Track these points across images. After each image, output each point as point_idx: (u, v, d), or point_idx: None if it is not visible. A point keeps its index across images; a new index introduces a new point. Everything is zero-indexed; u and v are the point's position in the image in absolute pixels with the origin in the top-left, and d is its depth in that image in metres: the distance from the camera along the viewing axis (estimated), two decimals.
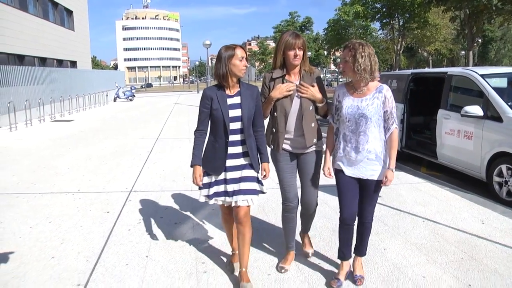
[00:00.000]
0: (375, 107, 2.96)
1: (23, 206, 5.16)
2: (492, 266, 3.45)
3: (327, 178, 3.25)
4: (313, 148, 3.30)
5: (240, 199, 3.03)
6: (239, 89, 3.07)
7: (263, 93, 3.30)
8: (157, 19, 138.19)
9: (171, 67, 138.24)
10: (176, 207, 5.13)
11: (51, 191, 5.85)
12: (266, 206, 4.99)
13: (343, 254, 3.22)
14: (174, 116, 17.29)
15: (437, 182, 6.28)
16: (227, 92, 3.04)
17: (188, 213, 4.88)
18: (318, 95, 3.20)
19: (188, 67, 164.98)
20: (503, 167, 5.57)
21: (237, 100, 3.04)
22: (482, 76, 6.33)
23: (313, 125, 3.23)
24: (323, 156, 3.31)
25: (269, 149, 3.32)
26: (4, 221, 4.62)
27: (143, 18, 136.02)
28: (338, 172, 3.12)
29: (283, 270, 3.41)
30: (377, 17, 31.84)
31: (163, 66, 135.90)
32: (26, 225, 4.50)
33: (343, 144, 3.06)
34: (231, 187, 3.05)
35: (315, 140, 3.27)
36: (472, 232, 4.19)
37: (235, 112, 3.01)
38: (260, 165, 3.19)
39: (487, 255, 3.66)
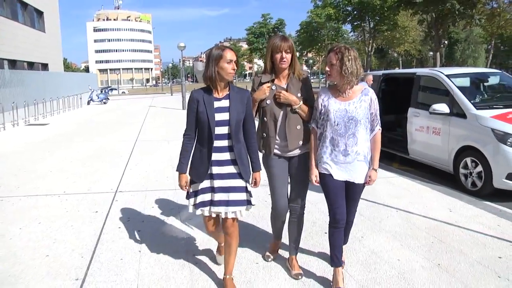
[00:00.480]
0: (363, 109, 2.99)
1: (9, 209, 5.23)
2: (458, 248, 3.81)
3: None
4: (303, 150, 3.25)
5: (230, 211, 2.93)
6: (228, 92, 2.94)
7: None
8: (129, 20, 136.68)
9: (143, 69, 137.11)
10: (163, 205, 5.31)
11: (36, 193, 5.92)
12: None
13: (338, 260, 3.15)
14: (150, 118, 17.35)
15: (409, 176, 6.66)
16: (215, 95, 2.91)
17: (175, 210, 5.08)
18: (292, 98, 3.14)
19: (161, 69, 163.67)
20: (468, 160, 6.01)
21: (225, 103, 2.90)
22: (448, 76, 6.76)
23: (298, 127, 3.20)
24: (309, 163, 3.21)
25: (260, 155, 3.24)
26: None
27: (114, 20, 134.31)
28: (326, 176, 3.07)
29: (269, 259, 3.58)
30: (348, 19, 32.62)
31: (135, 68, 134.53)
32: (15, 226, 4.59)
33: (330, 148, 3.03)
34: (218, 196, 2.93)
35: (300, 143, 3.21)
36: (441, 220, 4.55)
37: (222, 116, 2.87)
38: (251, 174, 3.06)
39: (454, 239, 4.03)
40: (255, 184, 3.08)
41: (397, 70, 9.79)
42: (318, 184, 3.13)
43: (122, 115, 19.69)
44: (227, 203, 2.93)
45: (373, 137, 3.07)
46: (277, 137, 3.22)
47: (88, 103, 28.42)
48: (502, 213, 4.77)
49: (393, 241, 4.01)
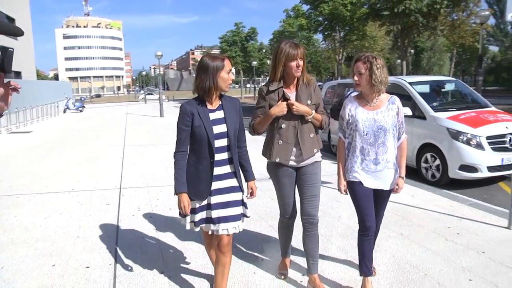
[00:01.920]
0: (391, 118, 2.98)
1: (28, 204, 5.85)
2: (417, 222, 4.75)
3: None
4: (314, 159, 3.18)
5: (229, 227, 2.77)
6: (220, 102, 2.80)
7: (262, 107, 3.14)
8: (99, 27, 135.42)
9: (114, 77, 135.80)
10: (166, 197, 6.03)
11: (47, 191, 6.55)
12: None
13: (368, 269, 3.10)
14: (131, 125, 17.95)
15: None
16: (209, 106, 2.75)
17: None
18: (304, 109, 3.03)
19: (132, 77, 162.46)
20: (428, 155, 7.05)
21: (220, 114, 2.77)
22: (410, 83, 7.79)
23: (311, 135, 3.13)
24: (337, 173, 3.17)
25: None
26: (18, 215, 5.32)
27: (84, 27, 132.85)
28: (355, 184, 3.03)
29: (282, 276, 3.48)
30: (319, 29, 33.91)
31: (106, 76, 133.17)
32: (40, 217, 5.23)
33: (360, 158, 3.01)
34: (215, 213, 2.76)
35: (315, 151, 3.16)
36: (405, 203, 5.47)
37: (219, 128, 2.73)
38: (247, 183, 2.99)
39: (415, 216, 4.96)
40: (252, 194, 3.01)
41: (344, 80, 10.96)
42: (346, 194, 3.12)
43: (102, 122, 20.20)
44: (227, 219, 2.76)
45: (399, 144, 3.09)
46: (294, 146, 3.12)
47: (64, 111, 28.63)
48: (454, 197, 5.73)
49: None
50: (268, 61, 54.66)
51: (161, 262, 3.87)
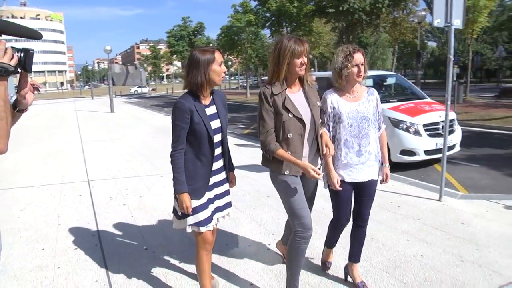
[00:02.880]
0: (372, 109, 3.01)
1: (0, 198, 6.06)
2: None
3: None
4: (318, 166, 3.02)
5: (225, 214, 2.98)
6: (212, 97, 2.79)
7: (265, 110, 2.78)
8: (38, 19, 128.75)
9: (57, 72, 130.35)
10: (134, 186, 6.43)
11: (16, 186, 6.73)
12: None
13: (334, 243, 3.49)
14: (83, 121, 17.90)
15: None
16: (203, 101, 2.71)
17: (147, 189, 6.24)
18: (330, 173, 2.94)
19: (76, 72, 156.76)
20: None
21: (213, 109, 2.76)
22: None
23: (314, 142, 2.96)
24: (326, 167, 3.00)
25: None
26: None
27: (21, 18, 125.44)
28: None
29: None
30: (267, 25, 34.59)
31: (48, 71, 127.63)
32: (16, 209, 5.47)
33: (344, 151, 2.97)
34: (218, 202, 2.89)
35: (319, 160, 3.05)
36: None
37: (215, 124, 2.73)
38: (228, 174, 3.00)
39: None
40: (233, 183, 3.08)
41: (315, 73, 11.58)
42: (339, 188, 2.93)
43: (53, 119, 19.89)
44: (225, 206, 2.96)
45: (381, 134, 3.12)
46: (307, 156, 2.91)
47: None
48: (396, 178, 6.50)
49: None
50: None
51: (142, 240, 4.31)
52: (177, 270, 3.65)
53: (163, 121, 17.52)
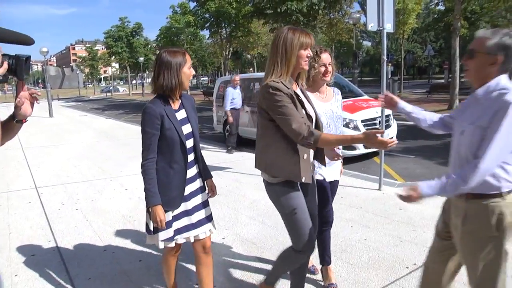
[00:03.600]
0: (339, 107, 3.08)
1: None
2: None
3: None
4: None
5: (211, 226, 2.76)
6: (180, 101, 2.65)
7: (286, 103, 2.34)
8: None
9: None
10: (84, 191, 6.41)
11: None
12: None
13: (330, 258, 3.33)
14: (22, 127, 17.04)
15: None
16: (173, 106, 2.58)
17: (98, 193, 6.25)
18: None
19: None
20: None
21: (183, 114, 2.63)
22: None
23: None
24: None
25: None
26: None
27: None
28: (321, 182, 3.00)
29: None
30: (206, 26, 34.68)
31: None
32: None
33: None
34: (196, 217, 2.67)
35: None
36: None
37: (186, 128, 2.60)
38: (205, 182, 2.81)
39: None
40: (213, 192, 2.86)
41: (256, 74, 11.97)
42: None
43: None
44: (208, 219, 2.74)
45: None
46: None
47: None
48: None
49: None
50: (153, 57, 53.91)
51: (100, 242, 4.39)
52: (139, 268, 3.77)
53: (105, 124, 17.27)
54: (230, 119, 9.81)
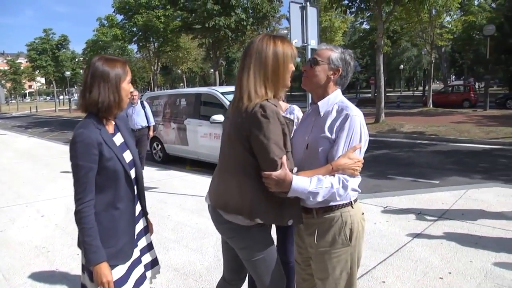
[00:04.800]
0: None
1: None
2: None
3: None
4: None
5: (157, 270, 2.34)
6: (114, 123, 2.13)
7: (278, 129, 1.91)
8: None
9: None
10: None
11: None
12: None
13: None
14: None
15: (199, 173, 8.58)
16: (108, 128, 2.07)
17: (10, 221, 5.68)
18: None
19: None
20: None
21: (119, 138, 2.13)
22: (222, 93, 8.89)
23: None
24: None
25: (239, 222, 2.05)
26: None
27: None
28: None
29: None
30: (134, 40, 33.90)
31: None
32: None
33: None
34: (146, 258, 2.25)
35: None
36: None
37: (127, 156, 2.09)
38: (144, 218, 2.28)
39: None
40: (151, 231, 2.39)
41: (183, 90, 11.68)
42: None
43: None
44: (154, 262, 2.32)
45: None
46: None
47: None
48: None
49: (192, 214, 5.67)
50: (81, 71, 51.72)
51: (4, 281, 3.93)
52: None
53: (27, 143, 16.03)
54: None
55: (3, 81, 69.31)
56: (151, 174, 8.80)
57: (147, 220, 2.30)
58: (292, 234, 2.63)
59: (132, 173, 2.09)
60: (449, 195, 6.10)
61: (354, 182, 1.97)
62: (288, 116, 2.43)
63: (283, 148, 1.89)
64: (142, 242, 2.22)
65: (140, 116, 8.10)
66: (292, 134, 2.07)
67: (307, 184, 1.86)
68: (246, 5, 24.27)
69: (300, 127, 2.18)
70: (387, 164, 9.41)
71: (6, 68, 67.47)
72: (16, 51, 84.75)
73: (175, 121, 10.18)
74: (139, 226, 2.20)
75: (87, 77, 1.99)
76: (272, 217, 2.01)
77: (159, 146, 10.80)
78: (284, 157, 1.87)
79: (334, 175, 1.90)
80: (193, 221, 5.39)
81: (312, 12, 6.03)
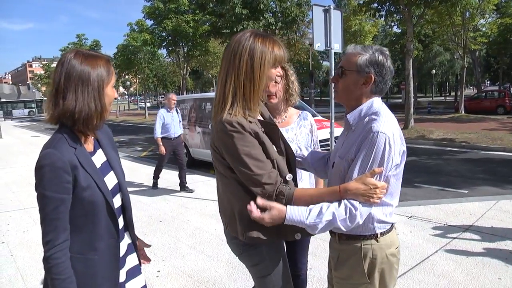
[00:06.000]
0: (304, 136, 2.57)
1: None
2: None
3: None
4: None
5: None
6: (93, 137, 1.69)
7: (252, 145, 1.70)
8: None
9: None
10: (17, 221, 5.95)
11: None
12: None
13: None
14: None
15: None
16: (86, 145, 1.64)
17: (33, 222, 5.80)
18: None
19: None
20: None
21: (101, 157, 1.70)
22: None
23: None
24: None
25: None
26: None
27: None
28: None
29: None
30: (163, 44, 34.38)
31: None
32: None
33: None
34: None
35: None
36: None
37: (110, 180, 1.67)
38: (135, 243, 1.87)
39: None
40: (147, 259, 2.05)
41: (208, 94, 11.77)
42: None
43: None
44: None
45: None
46: None
47: None
48: None
49: (211, 219, 5.64)
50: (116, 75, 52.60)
51: (22, 283, 3.99)
52: None
53: None
54: (162, 149, 7.60)
55: (38, 85, 71.52)
56: (174, 178, 8.84)
57: (138, 253, 1.87)
58: (304, 245, 2.62)
59: (116, 202, 1.67)
60: (478, 205, 5.86)
61: (376, 211, 1.74)
62: (294, 120, 2.52)
63: (260, 157, 1.69)
64: (137, 282, 1.82)
65: (178, 124, 7.83)
66: (283, 140, 1.88)
67: (304, 216, 1.62)
68: (275, 9, 24.27)
69: (338, 140, 1.96)
70: (414, 171, 9.13)
71: (41, 72, 69.60)
72: (52, 56, 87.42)
73: (200, 125, 10.23)
74: (129, 264, 1.78)
75: (60, 77, 1.53)
76: (275, 232, 1.78)
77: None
78: (261, 200, 1.65)
79: (341, 202, 1.64)
80: (212, 226, 5.36)
81: (336, 15, 5.92)
